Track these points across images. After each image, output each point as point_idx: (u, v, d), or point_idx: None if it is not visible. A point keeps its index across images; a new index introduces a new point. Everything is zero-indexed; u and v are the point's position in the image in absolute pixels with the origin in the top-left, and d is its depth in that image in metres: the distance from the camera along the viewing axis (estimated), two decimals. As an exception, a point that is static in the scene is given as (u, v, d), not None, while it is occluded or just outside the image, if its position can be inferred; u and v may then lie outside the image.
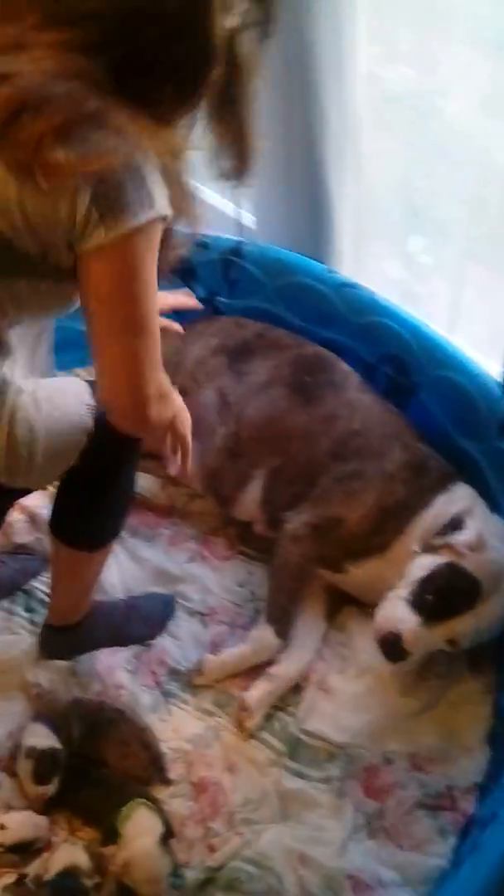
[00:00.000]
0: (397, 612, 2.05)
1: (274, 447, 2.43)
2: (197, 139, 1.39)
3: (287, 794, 2.05)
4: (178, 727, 2.16)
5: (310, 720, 2.16)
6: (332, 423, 2.40)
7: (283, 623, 2.26)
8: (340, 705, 2.19)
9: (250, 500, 2.45)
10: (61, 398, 1.76)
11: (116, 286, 1.44)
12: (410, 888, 1.91)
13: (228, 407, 2.50)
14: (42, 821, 1.96)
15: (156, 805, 1.96)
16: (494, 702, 2.18)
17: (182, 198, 1.47)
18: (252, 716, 2.14)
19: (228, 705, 2.20)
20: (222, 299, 2.81)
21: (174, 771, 2.08)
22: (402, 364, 2.53)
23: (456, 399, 2.41)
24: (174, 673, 2.25)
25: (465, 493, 2.28)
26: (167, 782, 2.06)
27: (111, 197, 1.36)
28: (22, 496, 2.09)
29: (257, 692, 2.17)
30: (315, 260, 2.70)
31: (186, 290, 2.56)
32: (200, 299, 2.80)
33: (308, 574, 2.33)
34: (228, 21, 1.25)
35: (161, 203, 1.41)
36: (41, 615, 2.33)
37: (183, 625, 2.35)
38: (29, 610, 2.38)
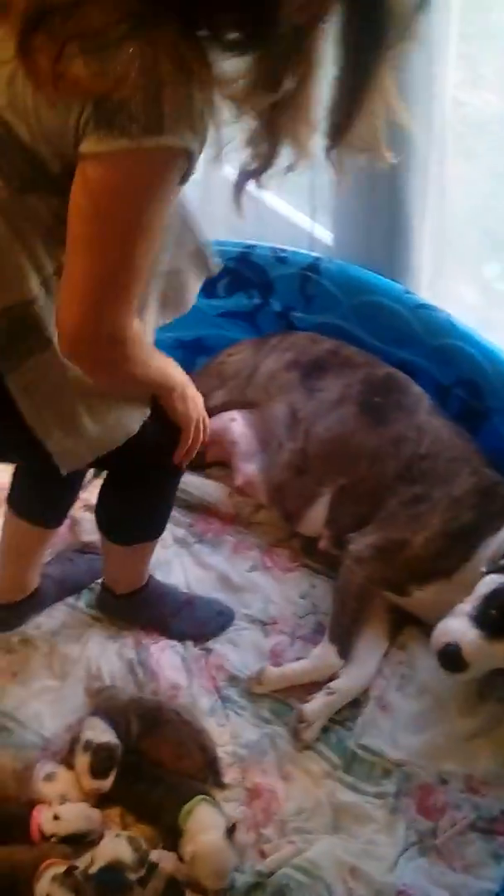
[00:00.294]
0: (458, 624, 2.03)
1: (341, 466, 2.44)
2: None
3: (340, 806, 2.05)
4: (234, 732, 2.17)
5: (367, 735, 2.16)
6: (400, 445, 2.41)
7: (345, 643, 2.26)
8: (398, 723, 2.18)
9: (315, 518, 2.47)
10: None
11: (96, 199, 1.32)
12: (460, 909, 1.90)
13: (298, 423, 2.52)
14: (96, 814, 1.98)
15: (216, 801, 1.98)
16: (553, 727, 2.16)
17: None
18: (310, 727, 2.15)
19: (286, 714, 2.20)
20: (297, 314, 2.83)
21: (229, 775, 2.09)
22: (475, 388, 2.53)
23: (529, 425, 2.40)
24: (233, 679, 2.27)
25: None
26: (222, 786, 2.07)
27: (112, 109, 1.24)
28: (79, 485, 2.16)
29: (316, 705, 2.17)
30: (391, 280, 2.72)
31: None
32: (277, 314, 2.85)
33: (372, 595, 2.33)
34: None
35: (174, 137, 1.27)
36: None
37: (243, 632, 2.37)
38: (92, 606, 2.42)
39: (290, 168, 1.40)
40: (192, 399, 1.79)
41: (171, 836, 1.96)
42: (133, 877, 1.84)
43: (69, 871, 1.82)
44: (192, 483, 2.67)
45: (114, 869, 1.83)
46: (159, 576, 2.42)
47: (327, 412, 2.49)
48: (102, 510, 2.16)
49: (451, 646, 2.00)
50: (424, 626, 2.30)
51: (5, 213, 1.44)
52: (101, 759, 1.99)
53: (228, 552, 2.56)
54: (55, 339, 1.48)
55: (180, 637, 2.35)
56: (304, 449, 2.47)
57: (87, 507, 2.48)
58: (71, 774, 2.03)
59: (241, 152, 1.39)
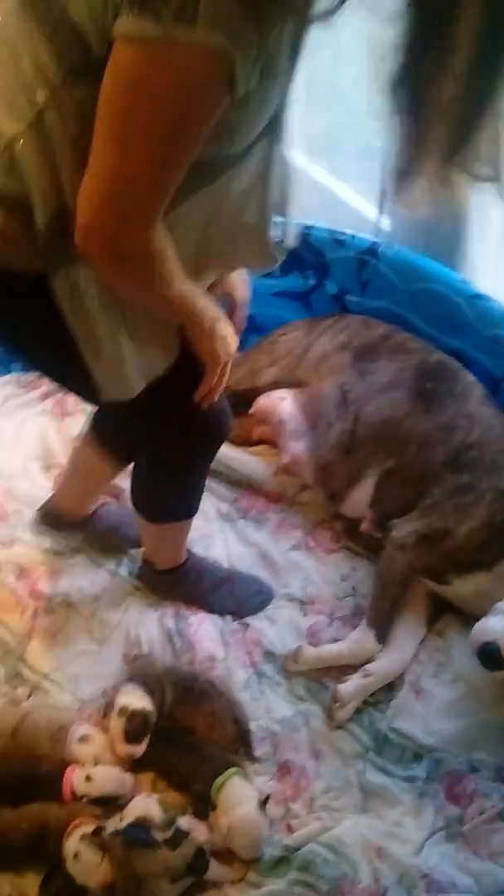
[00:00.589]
0: (498, 623, 2.03)
1: (389, 449, 2.43)
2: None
3: (369, 787, 2.06)
4: (268, 707, 2.18)
5: (399, 719, 2.16)
6: (449, 432, 2.40)
7: (383, 628, 2.27)
8: (431, 708, 2.18)
9: (360, 499, 2.46)
10: None
11: (121, 86, 1.24)
12: (483, 896, 1.90)
13: (348, 404, 2.51)
14: (128, 778, 2.01)
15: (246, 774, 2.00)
16: None
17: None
18: (344, 708, 2.15)
19: (320, 693, 2.21)
20: (352, 298, 2.82)
21: (260, 749, 2.10)
22: (528, 381, 2.52)
23: None
24: (269, 655, 2.28)
25: None
26: (252, 759, 2.09)
27: None
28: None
29: (351, 686, 2.18)
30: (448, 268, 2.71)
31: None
32: (331, 296, 2.84)
33: (412, 582, 2.33)
34: None
35: (210, 35, 1.16)
36: None
37: (282, 610, 2.38)
38: (133, 573, 2.44)
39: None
40: (223, 339, 1.70)
41: (202, 805, 1.98)
42: (160, 836, 1.86)
43: (97, 831, 1.85)
44: (238, 460, 2.68)
45: (142, 826, 1.86)
46: (201, 549, 2.45)
47: (378, 394, 2.48)
48: (135, 488, 2.18)
49: (490, 645, 2.00)
50: (462, 615, 2.32)
51: (57, 103, 1.36)
52: (136, 725, 2.01)
53: (271, 530, 2.57)
54: None
55: (219, 612, 2.37)
56: (353, 430, 2.46)
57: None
58: (105, 738, 2.05)
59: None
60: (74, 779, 1.97)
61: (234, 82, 1.22)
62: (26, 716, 2.09)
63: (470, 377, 2.53)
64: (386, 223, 2.88)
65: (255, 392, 2.66)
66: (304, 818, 2.00)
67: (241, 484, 2.67)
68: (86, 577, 2.44)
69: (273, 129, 1.47)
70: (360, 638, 2.26)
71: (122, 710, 2.02)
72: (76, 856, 1.82)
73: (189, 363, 1.71)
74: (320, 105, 3.06)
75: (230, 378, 2.64)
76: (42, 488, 2.65)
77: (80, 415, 2.84)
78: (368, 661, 2.24)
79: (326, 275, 2.84)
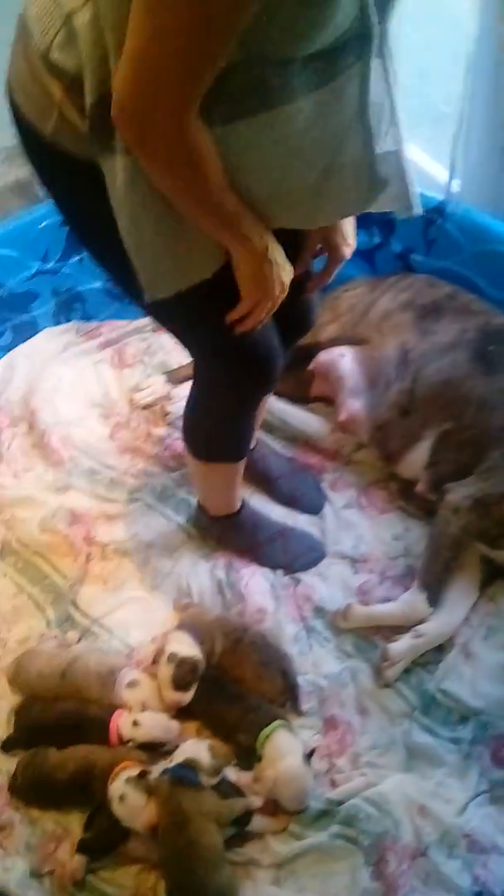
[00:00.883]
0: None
1: (448, 411, 2.40)
2: None
3: (414, 747, 2.06)
4: (316, 662, 2.18)
5: (447, 681, 2.15)
6: (509, 396, 2.36)
7: (435, 591, 2.25)
8: (480, 672, 2.17)
9: (416, 460, 2.44)
10: None
11: None
12: (525, 860, 1.89)
13: (408, 363, 2.48)
14: (174, 725, 2.02)
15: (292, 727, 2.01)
16: None
17: None
18: (393, 667, 2.15)
19: (368, 651, 2.21)
20: (417, 257, 2.79)
21: (306, 704, 2.11)
22: None
23: None
24: (319, 611, 2.28)
25: None
26: (299, 712, 2.09)
27: None
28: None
29: (402, 646, 2.17)
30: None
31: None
32: (396, 255, 2.81)
33: (465, 546, 2.31)
34: None
35: None
36: None
37: (333, 567, 2.37)
38: (189, 520, 2.46)
39: None
40: (272, 265, 1.61)
41: (246, 757, 1.99)
42: (206, 781, 1.87)
43: (143, 774, 1.87)
44: (295, 416, 2.68)
45: (190, 767, 1.87)
46: (254, 503, 2.45)
47: (439, 355, 2.45)
48: (184, 420, 2.17)
49: None
50: (516, 581, 2.29)
51: None
52: (184, 673, 2.02)
53: (325, 487, 2.56)
54: None
55: (271, 566, 2.37)
56: (412, 390, 2.44)
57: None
58: (153, 684, 2.07)
59: None
60: (121, 723, 2.00)
61: None
62: (76, 659, 2.11)
63: (534, 343, 2.49)
64: (455, 184, 2.84)
65: (315, 348, 2.64)
66: (349, 773, 2.01)
67: (297, 440, 2.66)
68: (140, 524, 2.46)
69: (363, 49, 1.41)
70: (411, 600, 2.25)
71: (171, 657, 2.03)
72: (122, 798, 1.84)
73: (237, 291, 1.66)
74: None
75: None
76: (99, 437, 2.67)
77: (138, 366, 2.85)
78: (418, 623, 2.23)
79: (392, 232, 2.80)
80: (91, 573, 2.37)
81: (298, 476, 2.55)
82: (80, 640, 2.24)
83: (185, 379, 2.70)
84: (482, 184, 2.76)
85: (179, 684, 2.02)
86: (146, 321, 2.97)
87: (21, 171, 3.61)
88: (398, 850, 1.88)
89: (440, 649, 2.21)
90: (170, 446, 2.63)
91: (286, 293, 1.69)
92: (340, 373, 2.55)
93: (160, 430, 2.68)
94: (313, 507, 2.51)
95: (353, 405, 2.52)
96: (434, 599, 2.24)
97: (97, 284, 2.95)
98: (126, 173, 1.46)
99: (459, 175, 2.85)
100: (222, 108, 1.38)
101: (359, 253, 2.82)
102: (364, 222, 2.80)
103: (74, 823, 1.95)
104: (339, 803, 1.95)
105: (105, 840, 1.89)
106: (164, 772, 1.87)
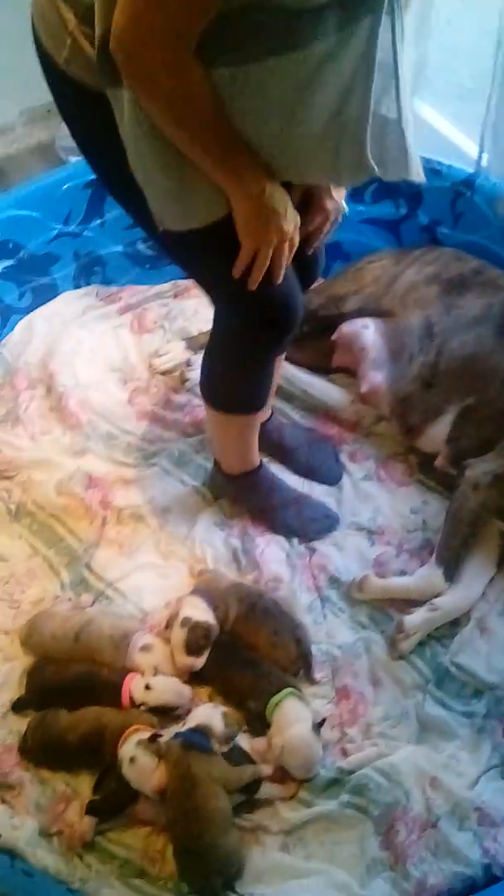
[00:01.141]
0: None
1: (471, 385, 2.38)
2: None
3: (427, 719, 2.05)
4: (330, 632, 2.17)
5: (462, 654, 2.13)
6: (534, 373, 2.34)
7: (452, 566, 2.23)
8: (495, 647, 2.15)
9: (437, 434, 2.42)
10: None
11: None
12: (536, 835, 1.89)
13: (432, 336, 2.46)
14: (186, 690, 2.02)
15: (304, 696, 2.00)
16: None
17: None
18: (408, 639, 2.13)
19: (383, 623, 2.20)
20: (444, 230, 2.77)
21: (319, 673, 2.10)
22: None
23: None
24: (334, 581, 2.26)
25: None
26: (312, 681, 2.09)
27: None
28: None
29: (418, 619, 2.15)
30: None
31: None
32: (422, 227, 2.78)
33: (484, 522, 2.29)
34: None
35: None
36: None
37: (350, 538, 2.36)
38: (206, 482, 2.45)
39: None
40: (273, 213, 1.61)
41: (256, 724, 1.98)
42: (217, 747, 1.87)
43: (154, 738, 1.87)
44: (315, 386, 2.66)
45: (202, 733, 1.87)
46: (275, 470, 2.44)
47: (464, 330, 2.42)
48: (202, 368, 2.15)
49: None
50: (533, 558, 2.28)
51: None
52: (198, 637, 2.01)
53: (344, 459, 2.54)
54: None
55: (285, 531, 2.36)
56: (436, 363, 2.41)
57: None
58: (166, 648, 2.06)
59: None
60: (134, 686, 1.99)
61: None
62: (90, 622, 2.11)
63: None
64: (485, 158, 2.81)
65: (339, 318, 2.61)
66: (360, 743, 2.00)
67: (317, 410, 2.64)
68: (156, 490, 2.44)
69: (375, 3, 1.41)
70: (427, 575, 2.23)
71: (185, 622, 2.03)
72: (132, 761, 1.84)
73: None
74: (409, 39, 2.99)
75: (312, 302, 2.64)
76: (118, 402, 2.66)
77: (158, 332, 2.83)
78: (434, 597, 2.21)
79: (419, 204, 2.78)
80: (106, 537, 2.36)
81: (316, 446, 2.53)
82: (93, 603, 2.23)
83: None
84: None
85: (192, 649, 2.01)
86: (167, 287, 2.95)
87: (43, 133, 3.61)
88: (408, 821, 1.87)
89: (455, 623, 2.19)
90: (189, 412, 2.61)
91: (294, 244, 1.69)
92: (363, 344, 2.53)
93: (179, 397, 2.67)
94: (331, 477, 2.49)
95: (376, 377, 2.50)
96: (451, 575, 2.22)
97: (118, 248, 2.93)
98: (131, 105, 1.49)
99: (489, 149, 2.83)
100: (231, 50, 1.40)
101: (384, 224, 2.84)
102: (391, 193, 2.80)
103: (84, 785, 1.95)
104: (350, 772, 1.94)
105: (114, 802, 1.89)
106: (176, 735, 1.87)
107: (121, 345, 2.81)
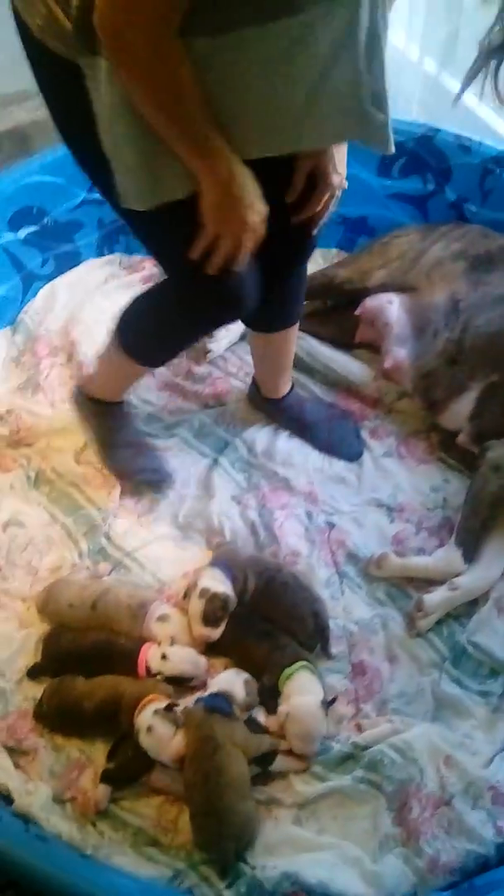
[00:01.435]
0: None
1: (496, 363, 2.36)
2: None
3: (443, 697, 2.04)
4: (347, 608, 2.17)
5: (479, 634, 2.12)
6: None
7: (471, 548, 2.22)
8: (514, 626, 2.15)
9: (460, 411, 2.40)
10: None
11: None
12: (550, 813, 1.88)
13: (458, 313, 2.44)
14: (202, 661, 2.02)
15: (318, 671, 2.00)
16: None
17: None
18: (426, 618, 2.12)
19: (400, 600, 2.19)
20: (472, 207, 2.73)
21: (336, 647, 2.10)
22: None
23: None
24: (352, 557, 2.26)
25: None
26: (328, 656, 2.08)
27: None
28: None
29: (437, 598, 2.14)
30: None
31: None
32: (450, 203, 2.75)
33: (504, 503, 2.28)
34: None
35: None
36: (240, 466, 2.44)
37: (369, 515, 2.35)
38: (232, 463, 2.44)
39: None
40: (233, 204, 1.60)
41: (270, 696, 1.98)
42: (238, 713, 1.89)
43: (170, 707, 1.87)
44: (337, 361, 2.64)
45: (224, 698, 1.88)
46: (296, 445, 2.47)
47: (491, 307, 2.40)
48: (129, 306, 2.15)
49: None
50: None
51: None
52: (215, 608, 2.01)
53: (365, 435, 2.52)
54: None
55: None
56: (460, 340, 2.39)
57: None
58: (183, 619, 2.07)
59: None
60: (150, 656, 1.99)
61: None
62: (107, 591, 2.11)
63: None
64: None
65: (363, 293, 2.59)
66: (375, 719, 2.00)
67: (339, 385, 2.62)
68: (175, 461, 2.44)
69: None
70: (446, 556, 2.22)
71: (203, 593, 2.02)
72: (149, 730, 1.84)
73: None
74: (440, 14, 2.96)
75: (337, 276, 2.62)
76: (137, 372, 2.64)
77: (181, 302, 2.81)
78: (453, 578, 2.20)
79: (447, 181, 2.75)
80: (125, 507, 2.35)
81: (337, 422, 2.52)
82: (111, 571, 2.23)
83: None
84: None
85: (209, 620, 2.02)
86: (191, 258, 2.93)
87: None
88: (422, 798, 1.86)
89: (473, 602, 2.18)
90: (210, 384, 2.61)
91: (257, 234, 1.66)
92: (387, 319, 2.51)
93: (200, 368, 2.65)
94: (351, 453, 2.48)
95: (399, 353, 2.48)
96: (470, 556, 2.21)
97: (143, 218, 2.90)
98: (107, 76, 1.47)
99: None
100: (211, 19, 1.38)
101: (411, 199, 2.82)
102: (419, 169, 2.76)
103: (98, 752, 1.95)
104: (365, 748, 1.94)
105: (129, 771, 1.90)
106: (198, 700, 1.88)
107: (143, 315, 2.79)
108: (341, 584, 2.21)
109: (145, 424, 2.52)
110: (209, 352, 2.65)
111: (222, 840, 1.78)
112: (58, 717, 1.98)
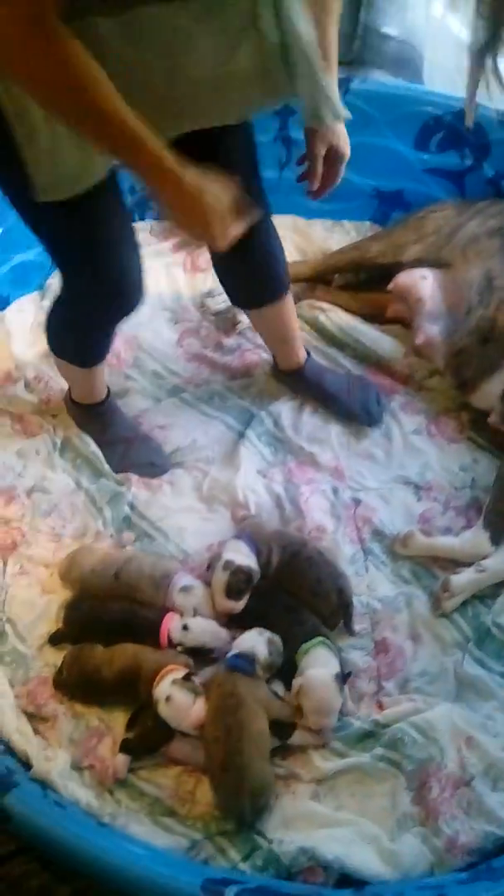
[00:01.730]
0: None
1: (529, 342, 2.33)
2: None
3: (465, 678, 2.02)
4: (372, 585, 2.15)
5: (504, 615, 2.11)
6: None
7: (499, 530, 2.19)
8: (538, 609, 2.12)
9: (491, 390, 2.36)
10: None
11: None
12: None
13: (493, 290, 2.40)
14: (223, 633, 2.00)
15: (336, 648, 1.98)
16: None
17: None
18: (452, 598, 2.10)
19: (425, 579, 2.17)
20: (510, 183, 2.70)
21: (359, 624, 2.08)
22: None
23: None
24: (378, 534, 2.24)
25: None
26: (351, 632, 2.07)
27: None
28: None
29: (464, 579, 2.12)
30: None
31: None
32: (487, 179, 2.71)
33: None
34: None
35: None
36: (266, 440, 2.42)
37: (396, 492, 2.33)
38: (258, 435, 2.42)
39: None
40: (205, 210, 1.53)
41: (289, 671, 1.96)
42: (261, 674, 1.90)
43: (188, 677, 1.87)
44: (368, 335, 2.61)
45: (248, 658, 1.89)
46: (322, 419, 2.45)
47: (526, 285, 2.36)
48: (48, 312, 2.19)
49: None
50: None
51: None
52: (238, 581, 2.00)
53: (394, 411, 2.50)
54: None
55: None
56: (494, 318, 2.36)
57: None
58: (206, 591, 2.06)
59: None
60: (172, 627, 1.99)
61: None
62: (130, 560, 2.10)
63: None
64: None
65: (397, 267, 2.56)
66: (396, 697, 1.98)
67: (370, 360, 2.59)
68: (199, 432, 2.43)
69: None
70: (473, 538, 2.19)
71: (227, 565, 2.01)
72: (168, 699, 1.84)
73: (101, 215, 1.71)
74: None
75: (370, 249, 2.59)
76: (166, 342, 2.64)
77: (211, 271, 2.77)
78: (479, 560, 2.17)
79: (486, 156, 2.70)
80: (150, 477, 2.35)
81: (357, 388, 2.49)
82: (135, 541, 2.22)
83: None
84: None
85: (233, 592, 2.00)
86: (222, 227, 2.90)
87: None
88: (441, 778, 1.85)
89: (499, 584, 2.15)
90: (239, 356, 2.59)
91: (226, 223, 1.59)
92: (421, 295, 2.47)
93: (229, 340, 2.64)
94: (371, 418, 2.46)
95: (431, 329, 2.45)
96: (497, 539, 2.18)
97: (176, 185, 2.87)
98: None
99: None
100: None
101: (448, 174, 2.78)
102: (457, 144, 2.72)
103: (117, 721, 1.95)
104: (385, 726, 1.92)
105: (149, 741, 1.89)
106: (222, 661, 1.91)
107: (173, 283, 2.77)
108: (366, 561, 2.19)
109: (170, 395, 2.51)
110: (238, 322, 2.63)
111: (241, 795, 1.77)
112: (77, 685, 1.97)
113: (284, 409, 2.47)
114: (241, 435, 2.42)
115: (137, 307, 1.96)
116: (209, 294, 2.70)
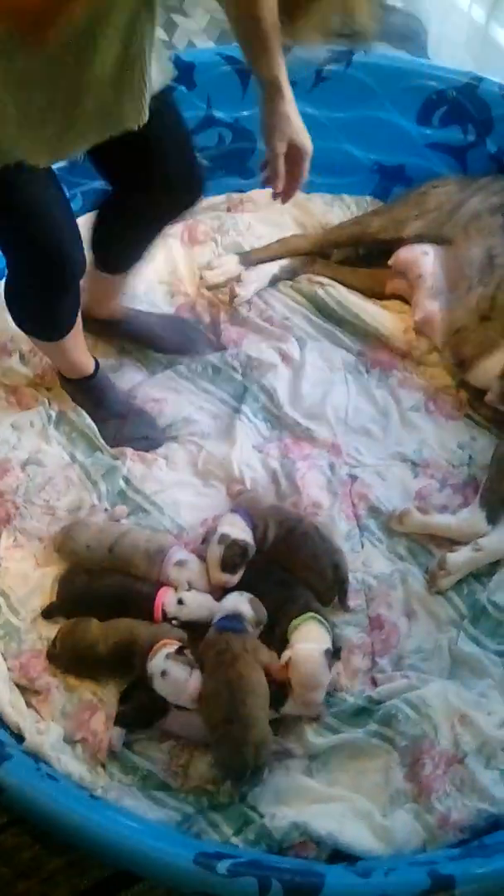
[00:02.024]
0: None
1: (530, 322, 2.31)
2: None
3: (460, 655, 2.02)
4: (367, 561, 2.15)
5: (500, 593, 2.10)
6: None
7: (495, 510, 2.18)
8: (534, 588, 2.12)
9: (490, 368, 2.35)
10: None
11: None
12: None
13: (493, 268, 2.38)
14: (217, 607, 1.99)
15: (328, 624, 1.97)
16: None
17: None
18: (448, 577, 2.10)
19: (421, 556, 2.17)
20: (513, 160, 2.67)
21: (354, 600, 2.07)
22: None
23: None
24: (374, 510, 2.23)
25: None
26: (346, 608, 2.06)
27: None
28: None
29: (461, 557, 2.11)
30: None
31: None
32: (490, 155, 2.69)
33: (531, 466, 2.24)
34: None
35: None
36: (262, 416, 2.41)
37: (393, 468, 2.32)
38: (254, 412, 2.41)
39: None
40: None
41: (281, 646, 1.95)
42: (251, 629, 1.90)
43: (180, 650, 1.87)
44: (368, 311, 2.59)
45: (236, 618, 1.90)
46: (319, 392, 2.42)
47: (527, 263, 2.35)
48: None
49: None
50: None
51: None
52: (234, 555, 1.99)
53: (393, 387, 2.48)
54: None
55: (109, 441, 2.36)
56: (494, 296, 2.34)
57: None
58: (201, 565, 2.05)
59: None
60: (167, 601, 1.98)
61: None
62: (125, 534, 2.09)
63: None
64: None
65: (397, 243, 2.54)
66: (391, 674, 1.98)
67: (368, 336, 2.57)
68: (194, 407, 2.41)
69: None
70: (469, 517, 2.18)
71: (222, 539, 2.00)
72: (164, 674, 1.83)
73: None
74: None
75: (371, 224, 2.57)
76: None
77: (209, 244, 2.76)
78: (475, 538, 2.16)
79: (489, 132, 2.68)
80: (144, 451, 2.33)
81: (178, 326, 2.55)
82: (129, 515, 2.21)
83: (259, 261, 2.62)
84: None
85: (228, 566, 2.00)
86: (220, 199, 2.87)
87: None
88: (435, 755, 1.85)
89: (496, 563, 2.15)
90: (236, 330, 2.57)
91: None
92: (421, 270, 2.46)
93: (226, 314, 2.61)
94: (196, 349, 2.50)
95: (431, 306, 2.43)
96: (494, 518, 2.17)
97: (174, 158, 2.84)
98: None
99: None
100: None
101: (450, 149, 2.75)
102: (460, 119, 2.70)
103: (110, 695, 1.95)
104: (379, 702, 1.92)
105: (144, 715, 1.89)
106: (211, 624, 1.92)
107: (170, 256, 2.74)
108: (361, 538, 2.18)
109: (165, 370, 2.49)
110: (236, 296, 2.60)
111: (245, 746, 1.77)
112: (71, 659, 1.97)
113: (279, 384, 2.45)
114: (237, 410, 2.41)
115: (76, 277, 1.96)
116: (208, 266, 2.68)
